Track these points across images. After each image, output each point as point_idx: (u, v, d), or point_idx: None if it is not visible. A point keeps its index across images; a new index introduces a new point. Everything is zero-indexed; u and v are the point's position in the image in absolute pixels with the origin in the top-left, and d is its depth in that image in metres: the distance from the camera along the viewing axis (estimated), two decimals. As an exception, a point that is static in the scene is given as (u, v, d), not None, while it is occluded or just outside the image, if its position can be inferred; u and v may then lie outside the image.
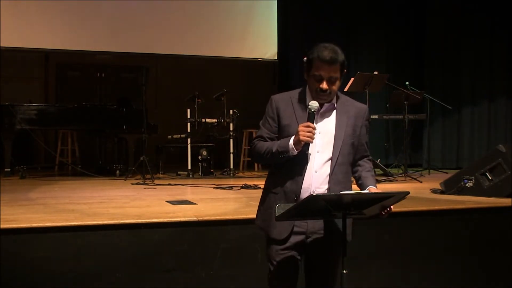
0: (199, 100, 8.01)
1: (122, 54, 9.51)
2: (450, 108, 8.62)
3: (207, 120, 8.10)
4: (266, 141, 2.53)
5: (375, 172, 8.33)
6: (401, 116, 7.68)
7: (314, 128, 2.38)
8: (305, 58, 2.49)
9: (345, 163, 2.51)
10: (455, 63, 9.48)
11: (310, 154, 2.44)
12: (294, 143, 2.39)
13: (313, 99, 2.44)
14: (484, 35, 9.34)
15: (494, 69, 9.32)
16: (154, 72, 10.18)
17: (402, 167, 7.63)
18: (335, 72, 2.40)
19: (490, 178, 4.97)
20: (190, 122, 7.94)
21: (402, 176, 7.09)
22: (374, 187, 2.51)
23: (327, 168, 2.46)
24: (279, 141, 2.47)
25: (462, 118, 9.43)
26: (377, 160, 7.87)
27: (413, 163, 9.16)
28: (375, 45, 9.79)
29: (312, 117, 2.40)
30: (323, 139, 2.46)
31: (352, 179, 2.62)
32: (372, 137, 7.22)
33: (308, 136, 2.35)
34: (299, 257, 2.52)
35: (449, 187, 5.21)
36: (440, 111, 9.21)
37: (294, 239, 2.47)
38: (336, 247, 2.53)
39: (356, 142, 2.54)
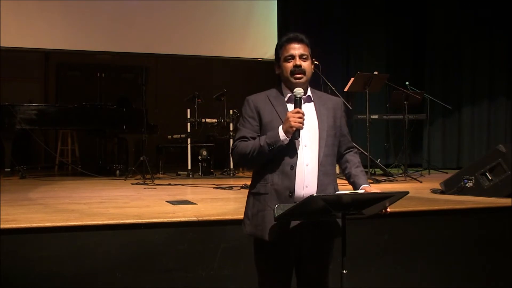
0: (199, 100, 8.02)
1: (122, 54, 9.52)
2: (450, 108, 8.63)
3: (207, 120, 8.11)
4: (249, 140, 2.48)
5: (375, 172, 8.24)
6: (401, 116, 7.70)
7: (303, 114, 2.38)
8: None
9: (331, 154, 2.52)
10: (455, 63, 9.48)
11: (298, 149, 2.43)
12: (285, 131, 2.37)
13: (291, 85, 2.48)
14: (484, 35, 9.34)
15: (494, 69, 9.31)
16: (154, 72, 10.19)
17: (402, 167, 7.63)
18: (304, 50, 2.49)
19: (490, 178, 4.97)
20: (190, 122, 7.94)
21: (402, 176, 7.09)
22: (368, 185, 2.50)
23: (316, 161, 2.46)
24: (264, 136, 2.43)
25: (462, 118, 9.43)
26: (377, 160, 7.87)
27: (413, 163, 9.17)
28: (375, 45, 9.78)
29: (299, 103, 2.41)
30: (308, 132, 2.45)
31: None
32: (372, 137, 7.25)
33: (299, 122, 2.36)
34: (292, 259, 2.49)
35: (449, 187, 5.21)
36: (440, 111, 9.21)
37: (288, 240, 2.43)
38: (328, 246, 2.53)
39: (338, 133, 2.56)
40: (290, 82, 2.49)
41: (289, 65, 2.48)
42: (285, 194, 2.41)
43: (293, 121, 2.35)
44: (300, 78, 2.47)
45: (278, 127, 2.40)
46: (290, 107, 2.47)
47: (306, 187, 2.42)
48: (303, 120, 2.37)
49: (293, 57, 2.48)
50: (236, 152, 2.50)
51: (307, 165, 2.44)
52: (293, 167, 2.42)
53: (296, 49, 2.48)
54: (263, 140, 2.41)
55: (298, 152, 2.44)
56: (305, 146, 2.45)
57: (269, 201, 2.43)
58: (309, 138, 2.46)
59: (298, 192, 2.41)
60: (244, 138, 2.49)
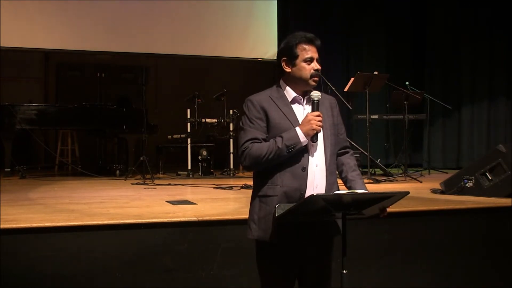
0: (199, 100, 8.02)
1: (122, 54, 9.50)
2: (450, 108, 8.63)
3: (207, 120, 8.11)
4: (261, 141, 2.42)
5: (375, 172, 8.21)
6: (401, 116, 7.70)
7: (321, 117, 2.41)
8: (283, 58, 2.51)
9: (334, 152, 2.53)
10: (455, 63, 9.48)
11: (309, 148, 2.43)
12: (305, 133, 2.37)
13: (305, 87, 2.49)
14: (484, 35, 9.34)
15: (494, 69, 9.31)
16: (154, 72, 10.18)
17: (402, 167, 7.63)
18: (317, 53, 2.51)
19: (490, 178, 4.97)
20: (190, 122, 7.94)
21: (402, 176, 7.09)
22: (365, 191, 2.46)
23: (323, 161, 2.46)
24: (280, 137, 2.37)
25: (462, 118, 9.43)
26: (377, 160, 7.87)
27: (413, 163, 9.17)
28: (375, 45, 9.78)
29: (316, 106, 2.43)
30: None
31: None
32: (372, 137, 7.25)
33: (319, 126, 2.38)
34: (295, 260, 2.47)
35: (449, 187, 5.21)
36: (440, 111, 9.21)
37: (291, 241, 2.42)
38: (329, 246, 2.53)
39: (336, 132, 2.57)
40: (307, 84, 2.48)
41: (310, 67, 2.47)
42: (296, 196, 2.39)
43: (315, 124, 2.37)
44: (317, 82, 2.49)
45: (295, 129, 2.39)
46: (295, 107, 2.48)
47: (316, 187, 2.42)
48: (321, 123, 2.40)
49: (312, 59, 2.48)
50: (249, 154, 2.40)
51: (316, 166, 2.44)
52: (305, 169, 2.41)
53: (315, 52, 2.49)
54: (280, 142, 2.37)
55: (310, 152, 2.43)
56: (313, 146, 2.45)
57: (277, 203, 2.37)
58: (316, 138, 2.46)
59: (308, 193, 2.39)
60: (256, 139, 2.42)
